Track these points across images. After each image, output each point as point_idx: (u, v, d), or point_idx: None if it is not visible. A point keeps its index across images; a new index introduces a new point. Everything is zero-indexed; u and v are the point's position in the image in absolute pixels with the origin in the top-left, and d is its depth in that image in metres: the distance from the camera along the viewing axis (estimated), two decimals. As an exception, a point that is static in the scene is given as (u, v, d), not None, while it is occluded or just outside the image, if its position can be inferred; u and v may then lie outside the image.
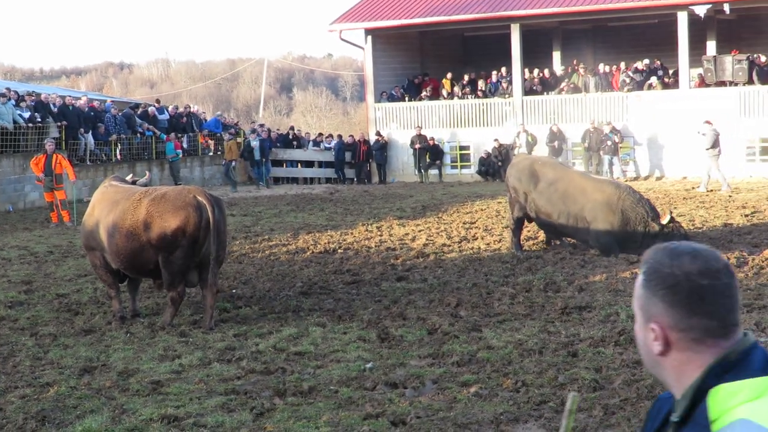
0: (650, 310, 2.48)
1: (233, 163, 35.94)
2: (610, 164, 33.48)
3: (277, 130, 44.01)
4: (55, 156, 25.41)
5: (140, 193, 12.87)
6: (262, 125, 43.21)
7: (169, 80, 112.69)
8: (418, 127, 37.46)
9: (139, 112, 37.22)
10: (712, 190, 28.01)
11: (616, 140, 33.31)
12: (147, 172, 15.84)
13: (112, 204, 12.94)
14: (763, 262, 15.41)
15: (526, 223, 18.30)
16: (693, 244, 2.52)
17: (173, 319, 12.60)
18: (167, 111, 38.29)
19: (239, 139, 38.38)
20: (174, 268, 12.37)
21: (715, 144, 29.29)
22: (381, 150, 37.73)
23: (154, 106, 38.57)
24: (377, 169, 38.23)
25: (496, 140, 35.90)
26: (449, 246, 18.64)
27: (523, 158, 19.01)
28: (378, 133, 38.04)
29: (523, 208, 17.75)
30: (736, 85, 33.58)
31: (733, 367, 2.37)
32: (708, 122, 30.48)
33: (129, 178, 14.56)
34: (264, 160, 36.92)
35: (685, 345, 2.42)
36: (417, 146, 36.96)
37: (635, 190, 17.24)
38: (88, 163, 32.89)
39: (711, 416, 2.35)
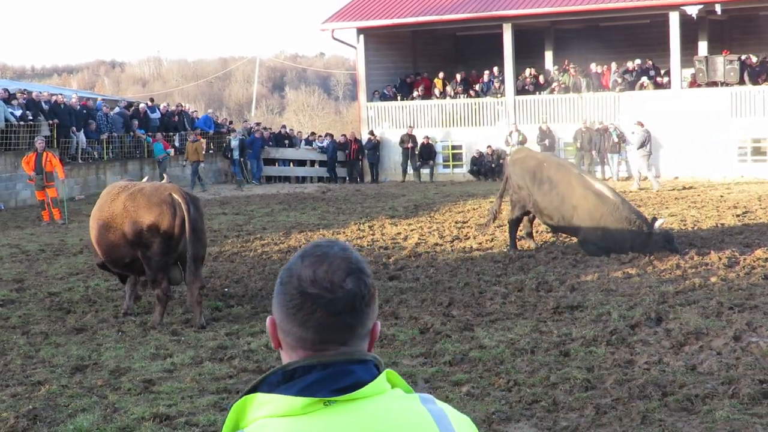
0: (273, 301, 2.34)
1: (201, 165, 35.41)
2: (618, 163, 33.85)
3: (269, 129, 43.93)
4: (45, 154, 25.38)
5: (120, 187, 13.13)
6: (258, 123, 43.21)
7: (161, 79, 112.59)
8: (410, 126, 37.47)
9: (131, 112, 37.10)
10: (643, 189, 28.57)
11: (615, 140, 33.41)
12: (165, 175, 15.92)
13: (102, 198, 13.29)
14: (754, 262, 15.44)
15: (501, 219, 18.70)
16: (344, 249, 2.32)
17: (162, 317, 12.62)
18: (159, 110, 38.22)
19: (227, 139, 38.30)
20: (153, 264, 12.55)
21: (644, 144, 29.95)
22: (374, 149, 37.73)
23: (147, 104, 38.50)
24: (369, 168, 38.23)
25: (489, 147, 35.95)
26: (441, 245, 18.66)
27: (527, 155, 18.99)
28: (371, 133, 38.05)
29: (525, 206, 17.86)
30: (727, 85, 33.64)
31: (290, 379, 2.22)
32: (639, 123, 30.93)
33: (145, 180, 14.86)
34: (243, 159, 36.66)
35: (286, 347, 2.29)
36: (408, 145, 36.97)
37: (624, 199, 17.27)
38: (80, 161, 32.83)
39: (238, 424, 2.24)
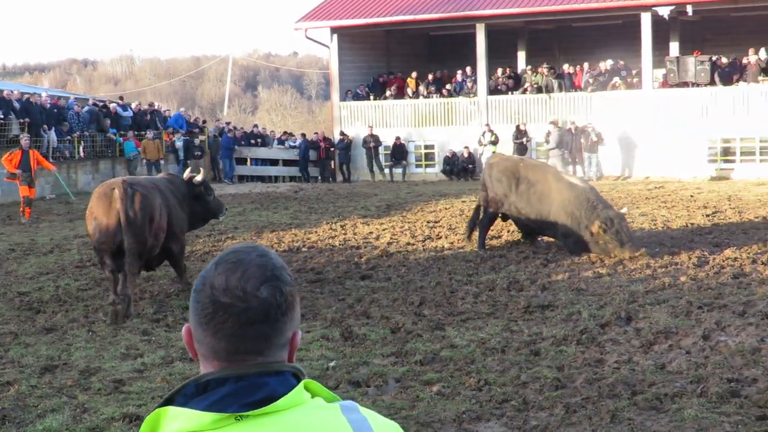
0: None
1: (161, 163, 35.25)
2: (591, 164, 33.95)
3: (242, 128, 43.82)
4: (31, 152, 25.36)
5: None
6: (228, 123, 43.06)
7: (133, 77, 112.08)
8: (370, 126, 37.46)
9: (101, 109, 36.91)
10: None
11: (594, 139, 33.54)
12: (201, 169, 16.40)
13: None
14: (723, 261, 15.55)
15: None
16: (262, 255, 2.25)
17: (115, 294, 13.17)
18: (131, 108, 38.05)
19: (203, 138, 38.12)
20: (95, 251, 13.83)
21: (560, 145, 30.28)
22: (345, 149, 37.68)
23: (118, 103, 38.31)
24: (339, 167, 38.17)
25: (466, 147, 36.02)
26: (413, 245, 18.68)
27: (504, 158, 19.21)
28: (342, 133, 38.02)
29: (499, 208, 17.99)
30: (698, 86, 33.84)
31: (203, 391, 2.14)
32: (554, 122, 31.19)
33: (186, 174, 15.48)
34: (184, 160, 36.34)
35: (201, 357, 2.22)
36: (371, 145, 36.96)
37: (596, 193, 17.29)
38: (51, 160, 32.63)
39: None
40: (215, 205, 15.77)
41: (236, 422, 2.10)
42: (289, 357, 2.26)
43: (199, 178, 15.36)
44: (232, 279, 2.17)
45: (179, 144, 36.41)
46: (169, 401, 2.17)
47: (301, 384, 2.20)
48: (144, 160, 35.04)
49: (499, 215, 18.48)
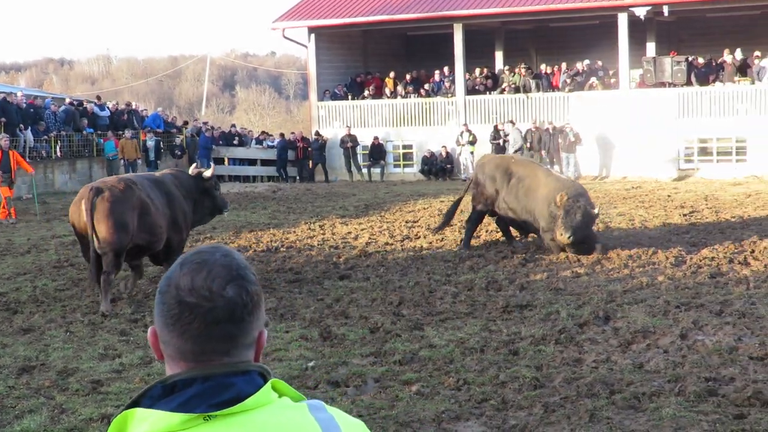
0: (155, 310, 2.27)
1: (138, 162, 35.18)
2: (569, 164, 34.03)
3: (219, 127, 43.72)
4: (11, 152, 25.25)
5: None
6: (206, 122, 42.96)
7: (110, 77, 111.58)
8: (348, 126, 37.45)
9: (78, 108, 36.75)
10: None
11: (572, 139, 33.64)
12: (212, 164, 16.80)
13: None
14: (701, 261, 15.63)
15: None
16: (226, 255, 2.25)
17: (107, 303, 13.30)
18: (108, 108, 37.90)
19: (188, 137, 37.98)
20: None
21: (520, 147, 30.59)
22: (320, 149, 37.59)
23: (95, 103, 38.14)
24: (313, 167, 38.05)
25: (444, 147, 36.08)
26: (392, 245, 18.69)
27: (496, 156, 19.39)
28: (317, 133, 37.98)
29: (488, 206, 18.05)
30: (675, 86, 34.00)
31: (170, 393, 2.14)
32: (511, 122, 31.44)
33: (192, 169, 15.82)
34: (155, 161, 36.21)
35: (168, 358, 2.22)
36: (348, 145, 36.93)
37: (579, 189, 17.27)
38: (28, 159, 32.46)
39: None
40: (221, 201, 15.98)
41: (204, 422, 2.11)
42: (255, 356, 2.27)
43: (208, 173, 15.57)
44: (197, 279, 2.17)
45: (150, 144, 36.15)
46: (135, 403, 2.16)
47: (269, 384, 2.21)
48: (122, 160, 34.91)
49: (487, 213, 18.47)
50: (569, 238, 16.13)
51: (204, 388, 2.14)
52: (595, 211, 16.69)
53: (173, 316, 2.17)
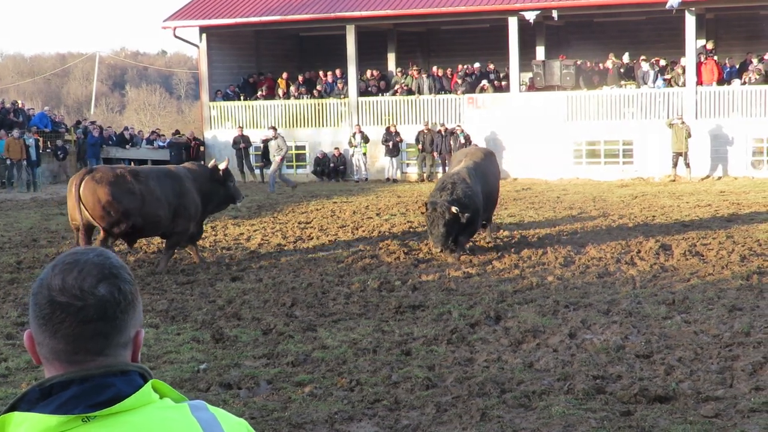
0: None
1: (23, 163, 34.50)
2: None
3: (109, 127, 43.06)
4: None
5: None
6: (93, 122, 42.23)
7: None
8: (240, 127, 37.24)
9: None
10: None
11: (462, 141, 33.86)
12: (227, 158, 18.80)
13: None
14: (588, 261, 15.93)
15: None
16: (100, 254, 2.25)
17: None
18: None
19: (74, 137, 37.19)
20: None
21: (281, 151, 31.38)
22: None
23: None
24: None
25: (336, 149, 36.10)
26: (284, 246, 18.64)
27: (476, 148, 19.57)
28: (177, 131, 37.68)
29: None
30: (563, 89, 34.57)
31: (47, 395, 2.13)
32: (273, 128, 32.19)
33: (211, 163, 17.58)
34: (37, 160, 35.45)
35: (44, 360, 2.21)
36: (241, 146, 36.71)
37: (460, 178, 17.16)
38: None
39: None
40: (234, 191, 17.44)
41: (83, 424, 2.09)
42: (133, 356, 2.26)
43: (222, 165, 17.20)
44: (68, 278, 2.17)
45: (30, 142, 35.10)
46: (13, 407, 2.14)
47: (149, 384, 2.20)
48: (8, 160, 34.17)
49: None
50: (438, 250, 16.45)
51: (82, 389, 2.12)
52: (453, 209, 16.31)
53: (45, 316, 2.16)
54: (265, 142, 34.59)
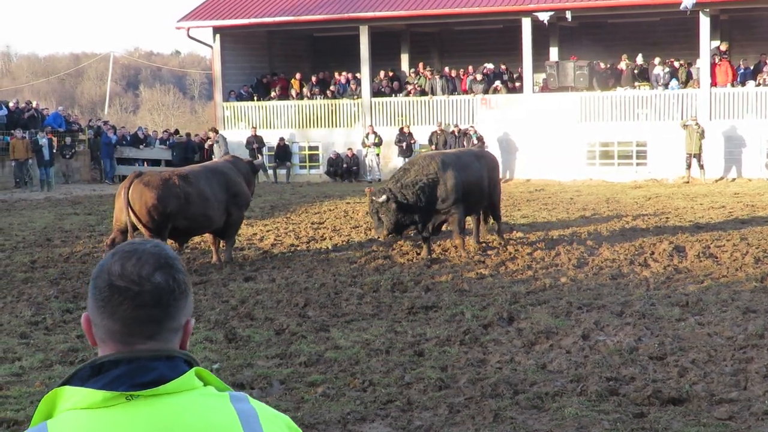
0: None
1: (29, 162, 34.64)
2: None
3: (123, 127, 43.14)
4: None
5: None
6: (106, 122, 42.34)
7: (10, 75, 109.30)
8: (253, 127, 37.27)
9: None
10: None
11: (475, 142, 33.84)
12: (259, 156, 19.61)
13: None
14: (602, 263, 15.90)
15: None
16: (157, 245, 2.39)
17: None
18: (6, 107, 37.08)
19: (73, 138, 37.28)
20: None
21: (227, 153, 31.59)
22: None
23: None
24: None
25: (350, 149, 36.11)
26: (297, 246, 18.65)
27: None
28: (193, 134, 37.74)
29: None
30: (577, 90, 34.52)
31: (98, 373, 2.27)
32: (214, 130, 32.30)
33: (246, 160, 18.75)
34: (50, 160, 35.52)
35: (99, 341, 2.35)
36: (254, 146, 36.74)
37: (419, 168, 16.91)
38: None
39: (49, 415, 2.29)
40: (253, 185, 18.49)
41: (126, 402, 2.23)
42: (182, 344, 2.39)
43: (258, 161, 19.69)
44: (127, 265, 2.31)
45: (43, 142, 35.16)
46: (66, 383, 2.28)
47: (192, 370, 2.32)
48: (13, 161, 34.36)
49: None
50: (380, 237, 16.83)
51: (129, 368, 2.26)
52: (383, 198, 16.16)
53: (104, 298, 2.30)
54: (211, 146, 34.96)
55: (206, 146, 36.15)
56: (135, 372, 2.26)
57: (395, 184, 16.49)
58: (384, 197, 16.13)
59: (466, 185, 17.13)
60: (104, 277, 2.31)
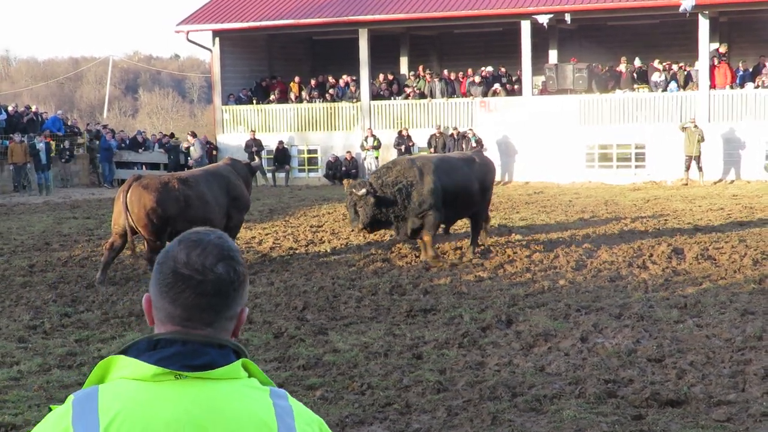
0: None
1: (28, 166, 34.67)
2: None
3: (122, 131, 43.13)
4: None
5: None
6: (105, 126, 42.34)
7: (9, 79, 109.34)
8: (252, 131, 37.26)
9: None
10: None
11: (474, 144, 33.83)
12: (257, 158, 19.71)
13: None
14: (600, 265, 15.90)
15: None
16: (220, 237, 2.52)
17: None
18: (5, 111, 37.06)
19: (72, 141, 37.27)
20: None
21: (203, 159, 31.70)
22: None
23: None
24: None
25: (348, 152, 36.09)
26: (296, 249, 18.65)
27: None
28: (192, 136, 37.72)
29: None
30: (576, 93, 34.52)
31: (153, 348, 2.40)
32: (192, 134, 32.34)
33: (244, 162, 18.66)
34: (48, 164, 35.51)
35: (157, 322, 2.48)
36: (253, 150, 36.71)
37: (399, 168, 16.78)
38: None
39: (102, 379, 2.43)
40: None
41: (174, 380, 2.37)
42: (235, 330, 2.54)
43: (255, 163, 19.43)
44: (192, 254, 2.44)
45: (40, 146, 35.11)
46: (123, 352, 2.42)
47: (240, 361, 2.46)
48: (11, 165, 34.34)
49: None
50: (359, 230, 16.69)
51: (183, 349, 2.39)
52: (362, 191, 16.06)
53: (168, 284, 2.44)
54: (187, 148, 35.15)
55: (182, 148, 36.67)
56: (188, 354, 2.38)
57: (376, 180, 16.46)
58: (363, 191, 16.06)
59: (448, 191, 16.91)
60: (169, 264, 2.44)
